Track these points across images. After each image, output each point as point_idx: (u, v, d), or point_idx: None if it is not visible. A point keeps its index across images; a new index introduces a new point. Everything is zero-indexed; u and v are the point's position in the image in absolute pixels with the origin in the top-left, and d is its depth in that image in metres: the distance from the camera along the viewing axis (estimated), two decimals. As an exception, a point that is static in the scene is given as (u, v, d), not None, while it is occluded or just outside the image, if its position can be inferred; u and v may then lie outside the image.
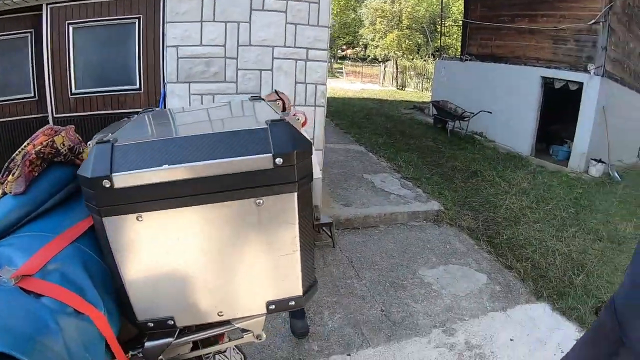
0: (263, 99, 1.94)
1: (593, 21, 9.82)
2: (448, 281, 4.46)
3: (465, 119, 11.45)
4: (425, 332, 3.67)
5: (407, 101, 18.62)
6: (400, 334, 3.62)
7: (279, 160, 1.30)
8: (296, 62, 4.61)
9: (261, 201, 1.35)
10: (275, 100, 3.06)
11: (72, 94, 4.44)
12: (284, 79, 4.60)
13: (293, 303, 1.49)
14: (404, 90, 26.36)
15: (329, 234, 4.83)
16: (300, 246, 1.43)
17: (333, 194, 6.01)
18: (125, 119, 1.78)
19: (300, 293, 1.48)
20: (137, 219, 1.29)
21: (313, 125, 4.80)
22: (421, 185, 6.92)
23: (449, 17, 28.67)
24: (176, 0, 4.17)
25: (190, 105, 4.34)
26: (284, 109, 3.53)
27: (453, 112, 11.69)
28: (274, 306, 1.48)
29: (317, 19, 4.57)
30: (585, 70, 9.70)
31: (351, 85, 26.21)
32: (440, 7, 21.62)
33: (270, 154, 1.29)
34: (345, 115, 12.76)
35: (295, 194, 1.36)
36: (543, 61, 10.85)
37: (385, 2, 35.94)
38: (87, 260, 1.32)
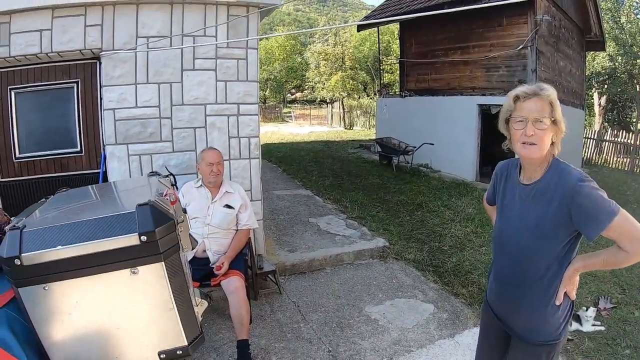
0: (159, 174, 2.41)
1: (521, 46, 10.32)
2: (395, 315, 4.51)
3: (409, 153, 11.75)
4: (373, 368, 3.69)
5: (354, 140, 19.05)
6: (347, 373, 3.64)
7: (143, 238, 1.60)
8: (228, 117, 4.74)
9: (136, 270, 1.62)
10: (167, 176, 3.42)
11: (16, 159, 4.46)
12: (217, 135, 4.72)
13: (180, 352, 1.78)
14: (352, 129, 26.87)
15: (274, 281, 4.87)
16: (177, 305, 1.71)
17: (279, 240, 6.06)
18: (43, 199, 2.16)
19: (185, 343, 1.78)
20: (43, 288, 1.63)
21: (249, 177, 4.91)
22: (367, 223, 7.02)
23: (390, 55, 29.58)
24: (111, 65, 4.29)
25: (129, 166, 4.49)
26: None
27: (397, 148, 11.99)
28: (164, 355, 1.77)
29: (245, 74, 4.74)
30: (519, 94, 10.13)
31: (300, 129, 26.52)
32: (382, 46, 22.27)
33: (137, 233, 1.61)
34: (293, 160, 12.90)
35: (162, 263, 1.65)
36: (478, 89, 11.31)
37: (328, 45, 36.85)
38: (12, 322, 1.66)
